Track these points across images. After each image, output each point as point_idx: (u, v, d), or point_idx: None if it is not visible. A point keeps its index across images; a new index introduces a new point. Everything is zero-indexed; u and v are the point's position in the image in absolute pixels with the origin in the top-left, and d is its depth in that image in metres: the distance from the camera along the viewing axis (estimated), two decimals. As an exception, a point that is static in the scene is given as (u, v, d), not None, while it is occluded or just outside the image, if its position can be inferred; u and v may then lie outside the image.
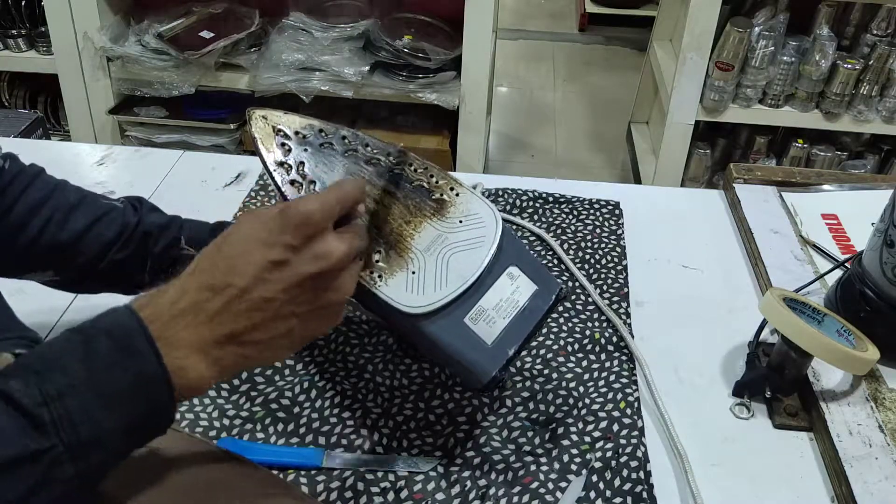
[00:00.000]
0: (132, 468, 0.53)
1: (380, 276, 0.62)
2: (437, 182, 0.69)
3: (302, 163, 0.67)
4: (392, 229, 0.65)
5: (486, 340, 0.64)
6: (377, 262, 0.63)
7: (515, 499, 0.66)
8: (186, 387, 0.47)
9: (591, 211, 1.04)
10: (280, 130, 0.69)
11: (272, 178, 0.67)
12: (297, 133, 0.69)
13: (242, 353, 0.49)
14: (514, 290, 0.67)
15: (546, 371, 0.79)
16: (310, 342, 0.53)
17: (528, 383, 0.77)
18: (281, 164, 0.67)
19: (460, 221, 0.67)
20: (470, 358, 0.63)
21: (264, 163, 0.67)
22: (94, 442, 0.44)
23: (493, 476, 0.68)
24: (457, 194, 0.69)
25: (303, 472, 0.68)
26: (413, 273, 0.63)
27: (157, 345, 0.45)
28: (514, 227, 1.01)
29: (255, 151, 0.69)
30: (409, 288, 0.62)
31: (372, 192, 0.67)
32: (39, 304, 0.79)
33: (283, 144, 0.68)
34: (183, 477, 0.54)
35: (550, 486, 0.67)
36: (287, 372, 0.78)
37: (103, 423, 0.44)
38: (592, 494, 0.67)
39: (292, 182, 0.66)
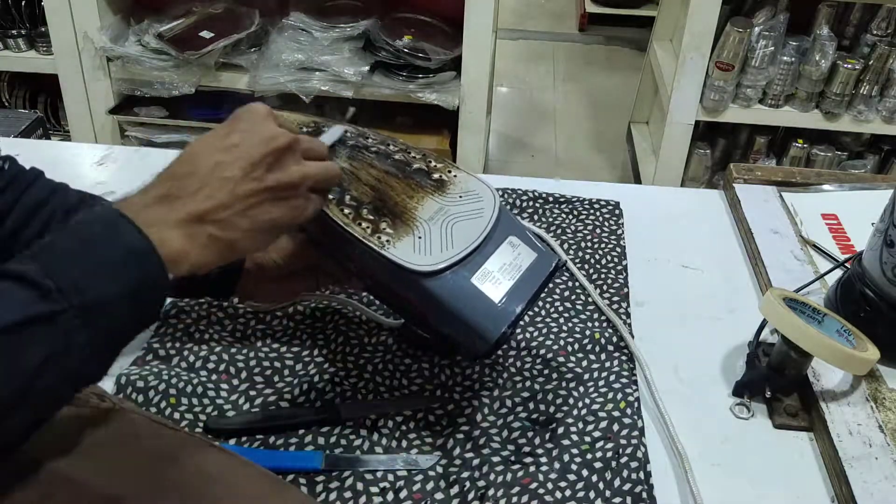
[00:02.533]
0: (132, 467, 0.53)
1: (388, 241, 0.65)
2: (435, 165, 0.73)
3: None
4: (396, 203, 0.68)
5: (494, 299, 0.66)
6: (384, 229, 0.66)
7: (514, 499, 0.65)
8: (170, 258, 0.51)
9: (591, 211, 1.04)
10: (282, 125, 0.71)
11: None
12: (299, 127, 0.71)
13: (211, 232, 0.53)
14: (515, 256, 0.69)
15: (546, 371, 0.79)
16: (276, 231, 0.59)
17: (528, 383, 0.78)
18: None
19: (460, 196, 0.71)
20: (479, 315, 0.65)
21: None
22: (100, 305, 0.47)
23: (492, 477, 0.68)
24: (455, 175, 0.73)
25: (302, 473, 0.68)
26: (419, 238, 0.66)
27: (136, 223, 0.50)
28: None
29: None
30: (417, 250, 0.65)
31: (375, 173, 0.70)
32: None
33: None
34: (184, 476, 0.54)
35: (550, 486, 0.67)
36: (287, 373, 0.78)
37: (106, 288, 0.47)
38: (592, 494, 0.66)
39: None
